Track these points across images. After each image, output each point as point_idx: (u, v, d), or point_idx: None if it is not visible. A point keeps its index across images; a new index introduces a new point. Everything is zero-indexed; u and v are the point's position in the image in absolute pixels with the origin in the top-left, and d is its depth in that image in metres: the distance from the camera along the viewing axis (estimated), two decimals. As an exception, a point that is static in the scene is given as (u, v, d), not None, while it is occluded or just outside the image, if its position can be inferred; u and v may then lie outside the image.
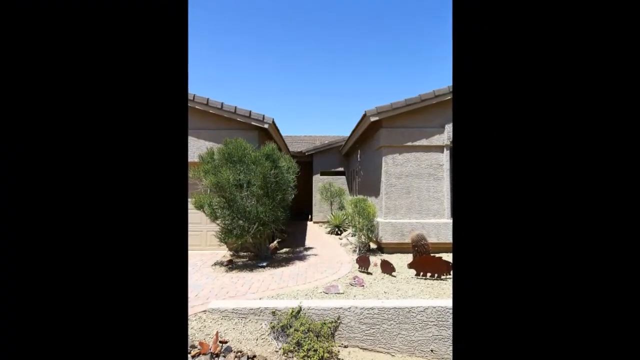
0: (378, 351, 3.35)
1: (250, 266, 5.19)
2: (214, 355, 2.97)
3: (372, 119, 6.11)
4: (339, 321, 3.37)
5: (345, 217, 8.31)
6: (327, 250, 6.56)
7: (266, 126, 6.36)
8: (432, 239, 5.67)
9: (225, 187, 4.94)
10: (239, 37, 38.96)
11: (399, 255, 5.93)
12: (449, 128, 6.14)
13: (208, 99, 6.27)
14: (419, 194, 6.16)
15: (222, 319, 3.34)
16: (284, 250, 6.55)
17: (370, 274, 4.74)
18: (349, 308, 3.40)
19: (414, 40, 36.11)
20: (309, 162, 11.60)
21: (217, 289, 4.04)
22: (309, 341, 3.11)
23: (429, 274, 4.51)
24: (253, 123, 6.34)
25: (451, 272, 4.46)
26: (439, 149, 6.20)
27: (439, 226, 6.03)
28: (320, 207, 11.47)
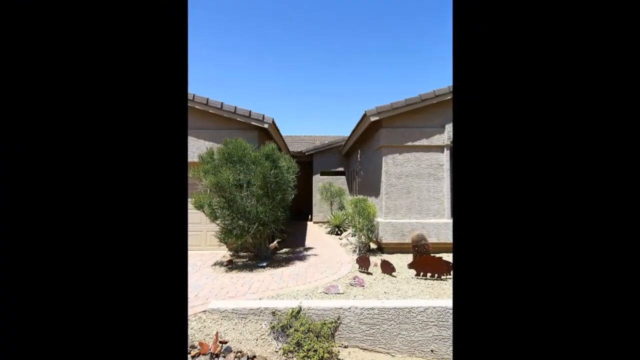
0: (378, 351, 3.35)
1: (250, 266, 5.19)
2: (214, 356, 2.97)
3: (372, 118, 6.11)
4: (339, 321, 3.37)
5: (345, 217, 8.31)
6: (327, 250, 6.56)
7: (266, 126, 6.35)
8: (432, 239, 5.67)
9: (225, 187, 4.94)
10: (239, 36, 39.00)
11: (399, 255, 5.93)
12: (449, 128, 6.13)
13: (208, 98, 6.27)
14: (419, 194, 6.16)
15: (222, 319, 3.34)
16: (284, 250, 6.54)
17: (371, 274, 4.74)
18: (349, 308, 3.40)
19: (414, 40, 36.13)
20: (309, 162, 11.59)
21: (217, 289, 4.04)
22: (309, 341, 3.11)
23: (429, 274, 4.51)
24: (253, 123, 6.33)
25: (451, 272, 4.46)
26: (439, 148, 6.20)
27: (439, 226, 6.03)
28: (320, 207, 11.47)
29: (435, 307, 3.40)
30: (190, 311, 3.39)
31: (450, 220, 6.05)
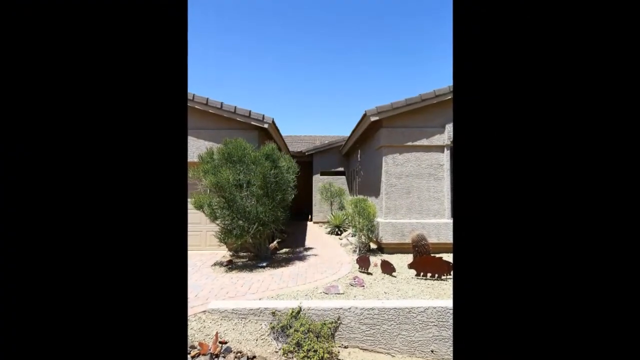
0: (378, 352, 3.35)
1: (250, 266, 5.19)
2: (214, 356, 2.97)
3: (373, 118, 6.11)
4: (339, 322, 3.37)
5: (345, 217, 8.31)
6: (327, 250, 6.56)
7: (266, 126, 6.35)
8: (432, 239, 5.67)
9: (225, 187, 4.94)
10: (239, 36, 39.00)
11: (399, 255, 5.93)
12: (449, 128, 6.13)
13: (207, 98, 6.27)
14: (420, 194, 6.16)
15: (221, 319, 3.33)
16: (284, 250, 6.54)
17: (371, 274, 4.74)
18: (349, 308, 3.40)
19: (414, 40, 36.13)
20: (309, 162, 11.60)
21: (217, 290, 4.04)
22: (309, 342, 3.11)
23: (429, 274, 4.51)
24: (253, 123, 6.33)
25: (451, 273, 4.46)
26: (440, 148, 6.20)
27: (439, 226, 6.03)
28: (320, 207, 11.46)
29: (435, 307, 3.40)
30: (190, 311, 3.39)
31: (451, 220, 6.06)
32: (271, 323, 3.28)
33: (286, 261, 5.54)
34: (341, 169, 11.76)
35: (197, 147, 6.36)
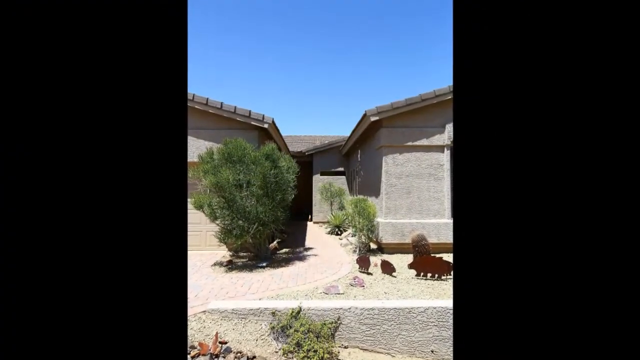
0: (378, 352, 3.35)
1: (250, 266, 5.19)
2: (214, 356, 2.97)
3: (373, 118, 6.11)
4: (339, 322, 3.37)
5: (345, 217, 8.30)
6: (327, 250, 6.56)
7: (266, 126, 6.35)
8: (432, 239, 5.67)
9: (225, 187, 4.94)
10: (239, 36, 39.01)
11: (399, 255, 5.92)
12: (449, 128, 6.13)
13: (207, 98, 6.26)
14: (420, 194, 6.16)
15: (221, 319, 3.33)
16: (284, 250, 6.54)
17: (371, 274, 4.74)
18: (349, 308, 3.40)
19: (414, 39, 36.15)
20: (309, 162, 11.59)
21: (217, 290, 4.04)
22: (309, 342, 3.11)
23: (429, 275, 4.51)
24: (253, 123, 6.33)
25: (451, 273, 4.46)
26: (440, 148, 6.20)
27: (439, 226, 6.03)
28: (320, 207, 11.46)
29: (435, 308, 3.40)
30: (190, 311, 3.39)
31: (451, 220, 6.05)
32: (271, 323, 3.28)
33: (286, 261, 5.54)
34: (341, 169, 11.76)
35: (197, 147, 6.36)
